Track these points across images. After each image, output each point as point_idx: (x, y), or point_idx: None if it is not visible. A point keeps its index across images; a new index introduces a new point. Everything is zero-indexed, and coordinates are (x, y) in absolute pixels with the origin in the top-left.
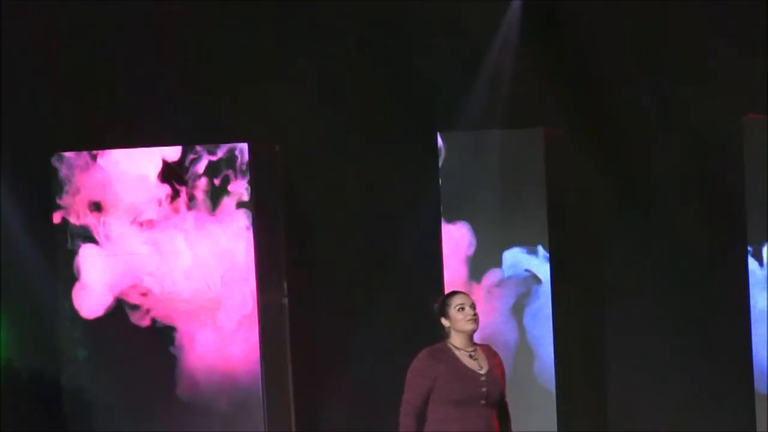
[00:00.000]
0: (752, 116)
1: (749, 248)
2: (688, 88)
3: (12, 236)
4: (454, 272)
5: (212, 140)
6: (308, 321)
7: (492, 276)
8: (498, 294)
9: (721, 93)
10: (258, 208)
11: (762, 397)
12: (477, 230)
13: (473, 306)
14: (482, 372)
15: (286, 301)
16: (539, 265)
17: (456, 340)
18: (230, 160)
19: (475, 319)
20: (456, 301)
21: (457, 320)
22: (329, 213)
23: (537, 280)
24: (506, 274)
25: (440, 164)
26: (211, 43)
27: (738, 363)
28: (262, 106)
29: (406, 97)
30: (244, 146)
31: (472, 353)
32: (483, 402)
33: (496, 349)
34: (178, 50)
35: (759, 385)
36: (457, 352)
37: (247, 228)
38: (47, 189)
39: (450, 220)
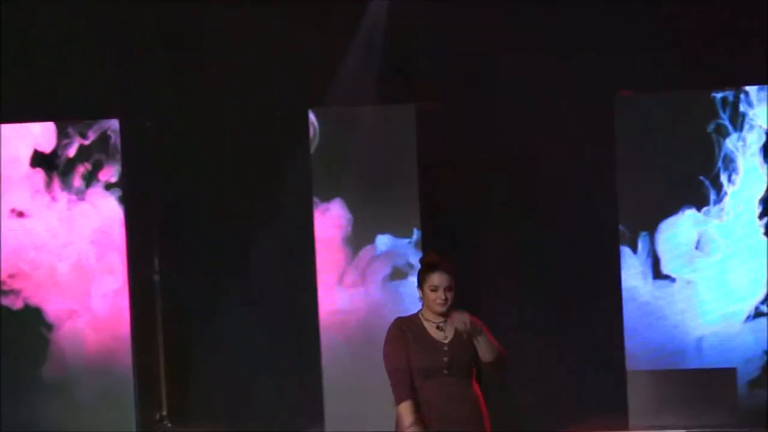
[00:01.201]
0: (624, 93)
1: (620, 227)
2: (559, 65)
3: None
4: (328, 251)
5: (82, 116)
6: (180, 298)
7: (366, 253)
8: (372, 270)
9: (593, 70)
10: (129, 185)
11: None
12: (351, 208)
13: (448, 289)
14: (446, 341)
15: (157, 278)
16: (412, 244)
17: (426, 312)
18: (102, 142)
19: (445, 303)
20: (432, 280)
21: (428, 299)
22: (201, 190)
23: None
24: (379, 251)
25: (312, 141)
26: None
27: (610, 342)
28: (132, 84)
29: (277, 74)
30: (116, 127)
31: (441, 324)
32: (445, 372)
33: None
34: (48, 25)
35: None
36: (425, 323)
37: (119, 206)
38: None
39: (324, 199)
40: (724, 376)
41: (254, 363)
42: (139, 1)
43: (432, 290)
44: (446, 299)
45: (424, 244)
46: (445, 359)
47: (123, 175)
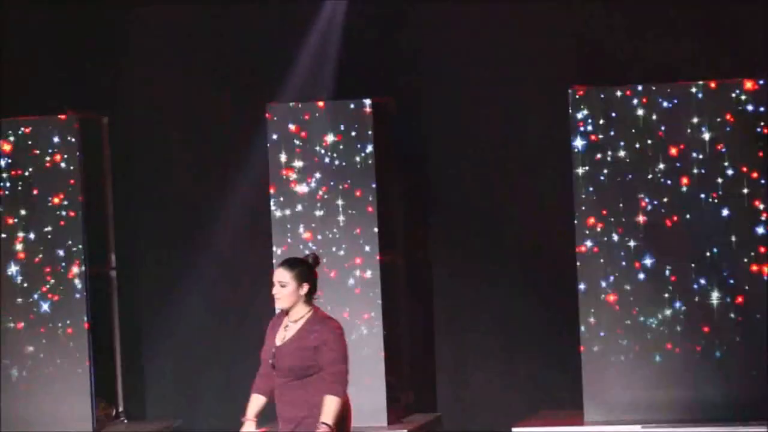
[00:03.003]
0: (576, 87)
1: (575, 221)
2: (513, 58)
3: None
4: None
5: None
6: (134, 292)
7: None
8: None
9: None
10: (86, 180)
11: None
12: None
13: (280, 284)
14: (278, 344)
15: (114, 273)
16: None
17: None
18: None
19: (276, 298)
20: (273, 276)
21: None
22: (157, 186)
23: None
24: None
25: (267, 136)
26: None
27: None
28: (89, 78)
29: (234, 69)
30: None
31: (290, 324)
32: (274, 372)
33: (330, 322)
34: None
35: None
36: (284, 319)
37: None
38: None
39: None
40: None
41: (209, 357)
42: None
43: (272, 285)
44: (275, 293)
45: (380, 240)
46: (270, 361)
47: (80, 167)
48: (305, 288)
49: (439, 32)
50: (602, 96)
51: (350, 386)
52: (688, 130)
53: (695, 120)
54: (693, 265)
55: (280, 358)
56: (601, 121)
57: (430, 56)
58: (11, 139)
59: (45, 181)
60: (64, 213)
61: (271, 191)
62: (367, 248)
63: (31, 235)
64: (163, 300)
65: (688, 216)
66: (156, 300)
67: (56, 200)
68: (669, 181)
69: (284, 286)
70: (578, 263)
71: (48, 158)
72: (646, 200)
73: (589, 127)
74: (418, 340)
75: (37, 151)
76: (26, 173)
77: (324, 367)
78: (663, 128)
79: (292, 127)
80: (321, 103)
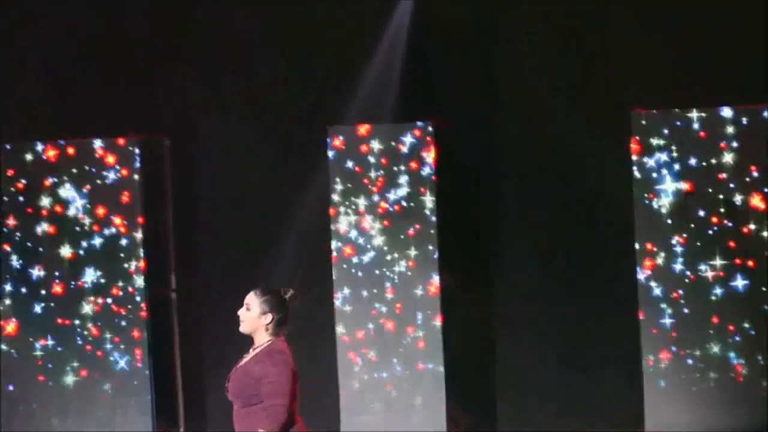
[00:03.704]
0: (639, 111)
1: (636, 243)
2: (576, 80)
3: None
4: (344, 267)
5: (103, 133)
6: (195, 314)
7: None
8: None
9: (611, 85)
10: (147, 201)
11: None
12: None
13: (245, 307)
14: (235, 366)
15: (174, 294)
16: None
17: None
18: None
19: (240, 320)
20: None
21: None
22: (217, 207)
23: None
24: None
25: (329, 158)
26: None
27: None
28: (152, 100)
29: (295, 91)
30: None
31: (251, 351)
32: (228, 394)
33: (277, 355)
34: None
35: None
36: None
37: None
38: None
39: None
40: None
41: None
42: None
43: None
44: (239, 316)
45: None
46: (226, 385)
47: (143, 190)
48: (268, 318)
49: (507, 63)
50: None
51: (411, 410)
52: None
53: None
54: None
55: (230, 383)
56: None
57: (492, 82)
58: (74, 159)
59: (106, 202)
60: (124, 234)
61: (331, 215)
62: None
63: (92, 256)
64: (223, 321)
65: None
66: (216, 321)
67: (117, 221)
68: (738, 201)
69: (248, 310)
70: (640, 288)
71: (110, 179)
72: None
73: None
74: (476, 362)
75: (100, 172)
76: (88, 194)
77: (263, 400)
78: (730, 150)
79: (353, 148)
80: (379, 126)
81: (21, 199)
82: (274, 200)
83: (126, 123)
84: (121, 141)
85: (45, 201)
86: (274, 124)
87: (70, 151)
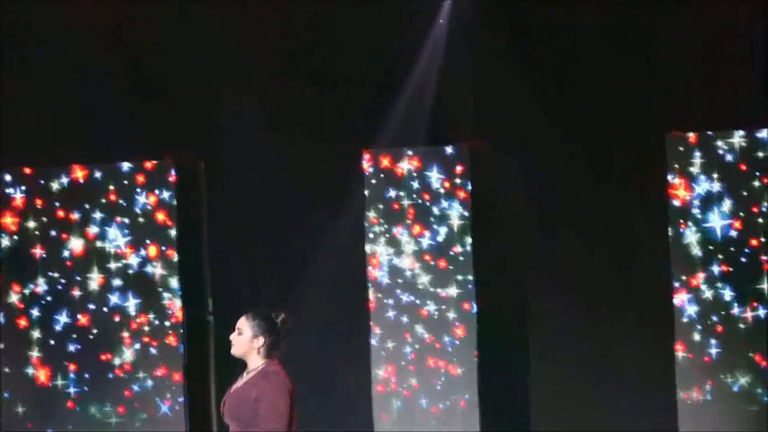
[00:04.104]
0: (675, 133)
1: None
2: (611, 102)
3: None
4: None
5: (135, 157)
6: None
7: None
8: None
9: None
10: (183, 224)
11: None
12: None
13: (237, 331)
14: (230, 389)
15: (211, 318)
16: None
17: None
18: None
19: (230, 343)
20: None
21: None
22: (253, 230)
23: None
24: None
25: (365, 180)
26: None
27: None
28: (187, 123)
29: (331, 114)
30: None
31: (246, 372)
32: (225, 417)
33: (272, 375)
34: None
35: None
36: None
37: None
38: None
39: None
40: None
41: (305, 402)
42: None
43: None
44: (230, 340)
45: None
46: (222, 408)
47: (178, 212)
48: (260, 341)
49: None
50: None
51: None
52: None
53: None
54: None
55: (227, 406)
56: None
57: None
58: (110, 184)
59: (141, 225)
60: (160, 257)
61: (367, 239)
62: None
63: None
64: None
65: None
66: None
67: (152, 246)
68: None
69: (240, 334)
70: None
71: (145, 202)
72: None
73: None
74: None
75: (135, 196)
76: (125, 218)
77: (258, 423)
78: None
79: (388, 172)
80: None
81: (52, 224)
82: (310, 223)
83: (160, 146)
84: (154, 164)
85: (77, 226)
86: (309, 147)
87: (100, 174)
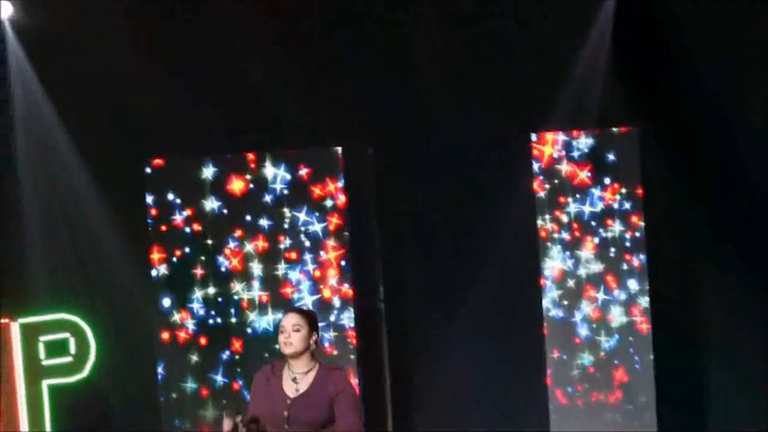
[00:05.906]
0: None
1: None
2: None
3: None
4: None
5: (304, 144)
6: (404, 324)
7: None
8: None
9: None
10: (353, 211)
11: None
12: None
13: (294, 328)
14: (292, 396)
15: (382, 305)
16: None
17: (290, 360)
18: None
19: (287, 343)
20: (282, 321)
21: (280, 342)
22: (421, 217)
23: None
24: None
25: (533, 166)
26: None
27: None
28: (354, 110)
29: (497, 98)
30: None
31: (298, 375)
32: (286, 426)
33: (338, 371)
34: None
35: None
36: (285, 372)
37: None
38: None
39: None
40: None
41: (478, 390)
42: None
43: (281, 332)
44: (288, 339)
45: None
46: (285, 413)
47: (348, 199)
48: (314, 337)
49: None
50: None
51: None
52: None
53: None
54: None
55: (298, 411)
56: None
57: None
58: (277, 171)
59: (309, 212)
60: (331, 244)
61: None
62: None
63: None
64: (430, 332)
65: None
66: (424, 332)
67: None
68: None
69: (298, 330)
70: None
71: (315, 189)
72: None
73: None
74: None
75: (303, 183)
76: (292, 205)
77: (339, 418)
78: None
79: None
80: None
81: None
82: (477, 209)
83: (328, 132)
84: (325, 149)
85: (248, 216)
86: (474, 132)
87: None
